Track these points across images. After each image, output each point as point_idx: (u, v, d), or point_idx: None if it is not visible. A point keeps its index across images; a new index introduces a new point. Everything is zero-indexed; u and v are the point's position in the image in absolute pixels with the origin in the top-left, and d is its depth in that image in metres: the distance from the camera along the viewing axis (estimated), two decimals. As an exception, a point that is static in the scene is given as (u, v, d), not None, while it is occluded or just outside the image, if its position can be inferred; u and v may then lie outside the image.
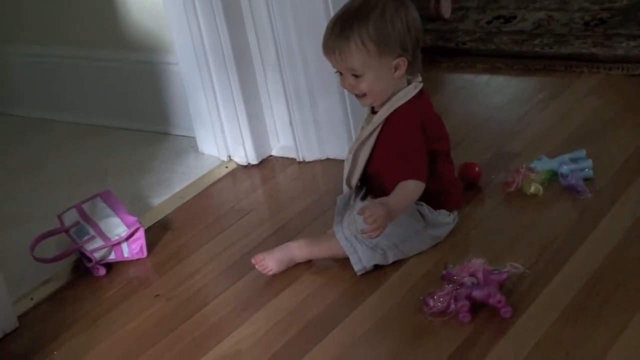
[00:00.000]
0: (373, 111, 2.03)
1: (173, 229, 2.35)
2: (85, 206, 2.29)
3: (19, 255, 2.21)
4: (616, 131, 2.41)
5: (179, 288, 2.08)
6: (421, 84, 2.00)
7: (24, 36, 3.15)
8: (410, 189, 1.93)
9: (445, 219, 2.03)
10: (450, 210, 2.05)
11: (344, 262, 2.02)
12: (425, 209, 2.00)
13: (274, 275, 2.04)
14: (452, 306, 1.77)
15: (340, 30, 1.91)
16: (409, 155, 1.95)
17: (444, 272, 1.84)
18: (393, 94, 1.98)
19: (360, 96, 1.99)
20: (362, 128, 2.05)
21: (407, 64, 1.94)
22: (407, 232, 1.97)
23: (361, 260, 1.95)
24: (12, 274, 2.09)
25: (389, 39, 1.91)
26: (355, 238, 1.95)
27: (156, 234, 2.32)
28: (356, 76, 1.94)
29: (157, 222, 2.38)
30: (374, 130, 1.99)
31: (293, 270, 2.04)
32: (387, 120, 1.98)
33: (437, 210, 2.02)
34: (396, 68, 1.94)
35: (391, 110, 1.97)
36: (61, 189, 2.62)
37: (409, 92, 1.98)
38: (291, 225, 2.26)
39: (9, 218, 2.52)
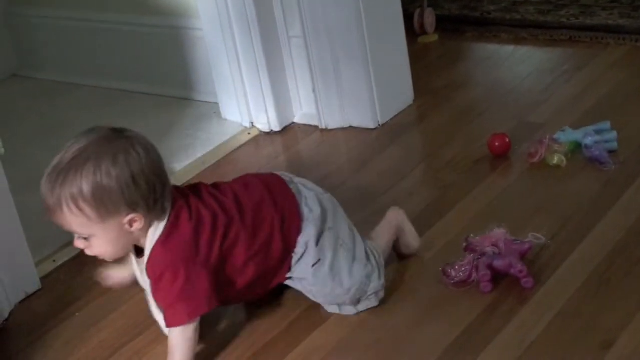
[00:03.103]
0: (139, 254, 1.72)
1: (195, 194, 2.35)
2: (107, 170, 2.29)
3: (42, 218, 2.22)
4: (642, 103, 2.39)
5: (200, 253, 2.09)
6: (164, 221, 1.65)
7: (49, 0, 3.15)
8: (177, 345, 1.66)
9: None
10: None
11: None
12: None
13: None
14: (474, 276, 1.77)
15: (52, 190, 1.59)
16: (169, 296, 1.66)
17: (465, 243, 1.84)
18: (138, 241, 1.68)
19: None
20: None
21: (144, 216, 1.62)
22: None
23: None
24: (34, 236, 2.10)
25: (108, 199, 1.57)
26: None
27: (178, 199, 2.32)
28: (85, 238, 1.64)
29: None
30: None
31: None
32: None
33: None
34: (131, 224, 1.62)
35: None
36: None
37: (155, 234, 1.65)
38: (313, 193, 2.26)
39: (33, 181, 2.51)
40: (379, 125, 2.52)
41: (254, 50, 2.52)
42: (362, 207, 2.14)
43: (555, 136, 2.21)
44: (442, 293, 1.79)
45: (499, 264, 1.77)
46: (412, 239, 1.91)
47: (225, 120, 2.69)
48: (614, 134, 2.19)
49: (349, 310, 1.77)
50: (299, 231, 1.75)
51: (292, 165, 2.46)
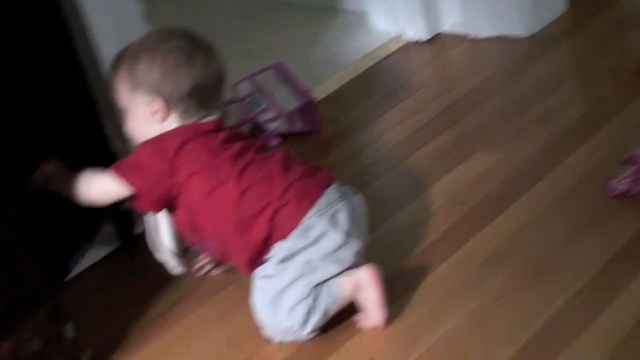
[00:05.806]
0: None
1: (343, 103, 2.36)
2: (259, 77, 2.32)
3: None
4: None
5: (349, 162, 2.10)
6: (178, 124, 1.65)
7: None
8: (92, 182, 1.67)
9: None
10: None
11: (519, 144, 2.00)
12: None
13: (445, 152, 2.05)
14: (633, 189, 1.72)
15: (115, 63, 1.67)
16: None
17: (627, 155, 1.78)
18: None
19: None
20: None
21: (168, 109, 1.63)
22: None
23: None
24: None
25: (143, 76, 1.62)
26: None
27: (327, 107, 2.33)
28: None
29: (327, 95, 2.39)
30: None
31: (464, 147, 2.04)
32: None
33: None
34: (155, 112, 1.64)
35: None
36: (235, 61, 2.65)
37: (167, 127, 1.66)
38: (460, 104, 2.24)
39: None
40: (531, 34, 2.46)
41: (404, -43, 2.49)
42: (512, 119, 2.11)
43: None
44: (599, 208, 1.75)
45: (662, 176, 1.72)
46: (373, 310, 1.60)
47: (373, 29, 2.67)
48: None
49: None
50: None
51: (439, 75, 2.44)
